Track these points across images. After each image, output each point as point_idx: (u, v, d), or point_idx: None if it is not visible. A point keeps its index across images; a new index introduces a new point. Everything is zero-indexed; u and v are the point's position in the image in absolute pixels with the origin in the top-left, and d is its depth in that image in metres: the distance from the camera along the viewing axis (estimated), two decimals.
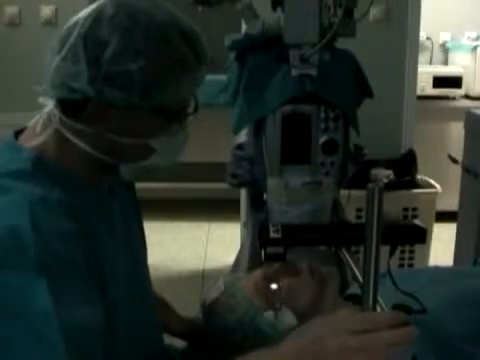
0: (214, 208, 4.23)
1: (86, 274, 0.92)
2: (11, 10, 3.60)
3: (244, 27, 2.14)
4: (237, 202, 3.39)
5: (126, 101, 0.96)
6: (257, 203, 2.14)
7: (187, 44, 0.98)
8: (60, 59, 0.96)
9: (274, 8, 1.94)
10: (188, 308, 1.42)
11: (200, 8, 2.06)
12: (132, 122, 0.99)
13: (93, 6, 0.98)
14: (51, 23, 3.55)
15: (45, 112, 1.01)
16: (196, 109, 1.06)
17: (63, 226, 0.91)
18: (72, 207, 0.95)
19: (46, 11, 3.56)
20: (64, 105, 0.99)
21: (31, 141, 1.00)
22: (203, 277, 3.33)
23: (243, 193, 3.23)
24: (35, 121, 1.04)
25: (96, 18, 0.96)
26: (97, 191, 1.06)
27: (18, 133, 1.05)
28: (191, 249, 3.72)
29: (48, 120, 1.00)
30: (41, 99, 1.01)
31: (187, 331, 1.37)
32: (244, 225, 2.52)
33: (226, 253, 3.45)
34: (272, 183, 1.92)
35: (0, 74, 3.65)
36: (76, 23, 0.97)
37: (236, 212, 3.43)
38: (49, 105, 1.00)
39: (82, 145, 1.00)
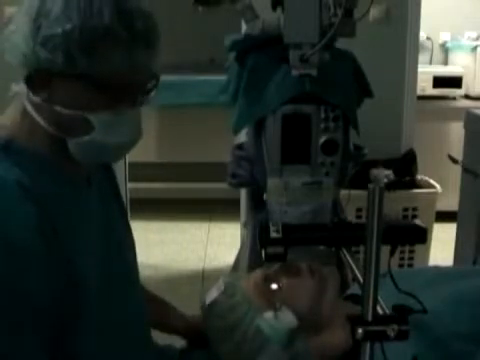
0: (214, 208, 4.23)
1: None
2: (11, 10, 3.60)
3: (244, 27, 2.13)
4: (237, 202, 3.39)
5: (52, 63, 0.97)
6: (257, 203, 2.14)
7: (120, 19, 0.98)
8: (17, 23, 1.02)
9: (274, 8, 1.94)
10: (188, 308, 1.42)
11: (200, 8, 2.05)
12: (73, 93, 1.00)
13: None
14: None
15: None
16: (147, 92, 1.05)
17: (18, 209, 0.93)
18: (33, 190, 0.95)
19: None
20: (28, 80, 1.02)
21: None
22: (203, 277, 3.33)
23: (243, 193, 3.23)
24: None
25: None
26: (72, 179, 1.07)
27: None
28: (191, 249, 3.72)
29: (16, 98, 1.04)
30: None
31: (187, 328, 1.37)
32: (244, 225, 2.52)
33: (226, 253, 3.45)
34: (272, 183, 1.92)
35: None
36: None
37: (236, 212, 3.43)
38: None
39: (37, 117, 1.02)
